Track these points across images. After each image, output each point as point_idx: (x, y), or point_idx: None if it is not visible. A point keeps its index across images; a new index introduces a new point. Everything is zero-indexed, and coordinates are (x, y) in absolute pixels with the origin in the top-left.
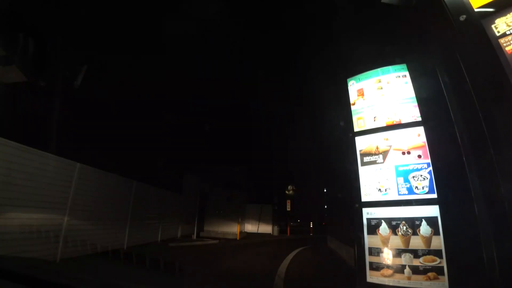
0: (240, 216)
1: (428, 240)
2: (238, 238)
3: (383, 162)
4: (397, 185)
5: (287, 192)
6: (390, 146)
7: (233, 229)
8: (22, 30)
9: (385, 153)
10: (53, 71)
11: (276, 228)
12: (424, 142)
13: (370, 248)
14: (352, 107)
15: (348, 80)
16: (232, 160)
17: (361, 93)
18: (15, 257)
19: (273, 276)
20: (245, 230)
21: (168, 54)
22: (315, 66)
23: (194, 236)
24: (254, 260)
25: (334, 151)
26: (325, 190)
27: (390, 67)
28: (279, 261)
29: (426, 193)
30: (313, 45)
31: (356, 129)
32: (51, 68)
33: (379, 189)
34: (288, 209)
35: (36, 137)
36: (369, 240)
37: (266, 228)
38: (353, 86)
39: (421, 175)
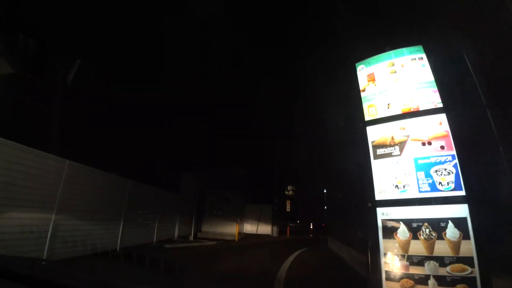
0: (239, 217)
1: (456, 246)
2: (236, 239)
3: (400, 155)
4: (417, 180)
5: (286, 192)
6: (408, 136)
7: (231, 230)
8: (10, 22)
9: (402, 144)
10: (44, 65)
11: (275, 229)
12: (447, 131)
13: (386, 255)
14: (362, 94)
15: (356, 64)
16: (231, 159)
17: (371, 78)
18: (15, 257)
19: (272, 280)
20: (244, 231)
21: (168, 51)
22: (318, 51)
23: (191, 237)
24: (252, 262)
25: (338, 145)
26: (325, 191)
27: (404, 49)
28: (279, 264)
29: (452, 189)
30: (316, 28)
31: (367, 117)
32: (42, 62)
33: (396, 186)
34: (288, 209)
35: (25, 133)
36: (385, 245)
37: (265, 229)
38: (363, 71)
39: (445, 169)
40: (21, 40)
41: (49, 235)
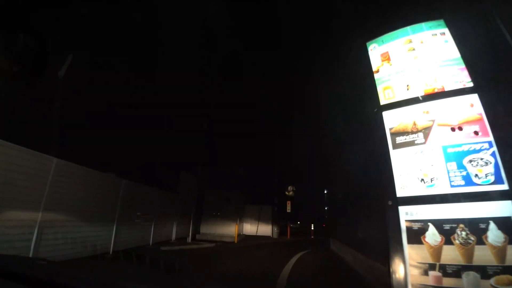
0: (238, 218)
1: (500, 252)
2: (236, 241)
3: (424, 143)
4: (448, 172)
5: (287, 193)
6: (433, 121)
7: (231, 231)
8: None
9: (426, 131)
10: (33, 60)
11: (275, 230)
12: (480, 113)
13: (412, 264)
14: (376, 76)
15: (367, 44)
16: (231, 159)
17: (386, 57)
18: (15, 256)
19: (274, 285)
20: (244, 232)
21: (166, 49)
22: (322, 33)
23: (189, 239)
24: (253, 266)
25: (346, 136)
26: (325, 191)
27: (422, 24)
28: (280, 267)
29: (492, 183)
30: (319, 7)
31: (383, 101)
32: (31, 57)
33: (422, 180)
34: (288, 210)
35: (12, 130)
36: (410, 252)
37: (265, 230)
38: (375, 50)
39: (481, 159)
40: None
41: (34, 237)
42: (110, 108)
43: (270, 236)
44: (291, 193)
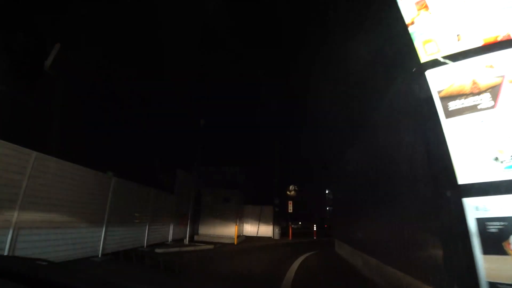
0: (238, 218)
1: None
2: (235, 243)
3: (493, 106)
4: None
5: (288, 192)
6: (502, 78)
7: (230, 232)
8: None
9: (494, 90)
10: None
11: (277, 231)
12: None
13: (492, 284)
14: (411, 29)
15: None
16: (231, 158)
17: (422, 5)
18: (15, 257)
19: None
20: (244, 233)
21: (164, 44)
22: None
23: (187, 241)
24: (253, 270)
25: (367, 109)
26: (327, 191)
27: None
28: (284, 271)
29: None
30: None
31: (424, 57)
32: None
33: (496, 158)
34: (290, 210)
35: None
36: (489, 268)
37: (266, 231)
38: None
39: None
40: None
41: (8, 239)
42: (103, 103)
43: (271, 237)
44: (292, 192)
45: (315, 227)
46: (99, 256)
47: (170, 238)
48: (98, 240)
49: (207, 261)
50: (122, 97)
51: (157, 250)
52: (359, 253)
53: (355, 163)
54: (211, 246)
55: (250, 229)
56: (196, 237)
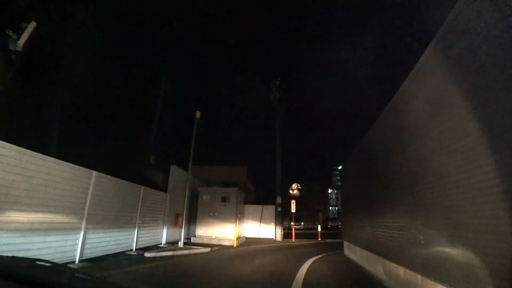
0: (238, 219)
1: None
2: (235, 245)
3: None
4: None
5: (291, 191)
6: None
7: (229, 234)
8: None
9: None
10: None
11: (279, 232)
12: None
13: None
14: None
15: None
16: (230, 154)
17: None
18: (15, 257)
19: None
20: (244, 235)
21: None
22: None
23: (181, 243)
24: (253, 280)
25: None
26: (330, 191)
27: None
28: (289, 281)
29: None
30: None
31: None
32: None
33: None
34: (293, 210)
35: None
36: None
37: (267, 232)
38: None
39: None
40: None
41: None
42: (86, 88)
43: (273, 238)
44: (295, 191)
45: (319, 228)
46: (76, 262)
47: (163, 240)
48: (75, 244)
49: (199, 267)
50: (110, 85)
51: (146, 254)
52: (379, 258)
53: (374, 157)
54: (207, 250)
55: (251, 230)
56: (193, 239)
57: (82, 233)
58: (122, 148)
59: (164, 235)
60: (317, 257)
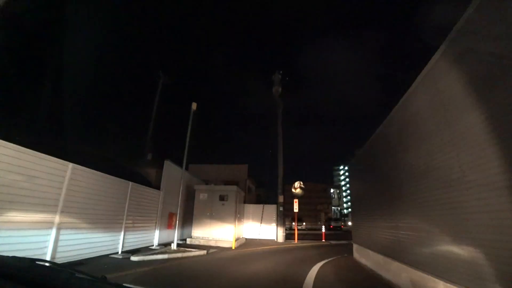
0: (237, 219)
1: None
2: (233, 247)
3: None
4: None
5: (293, 190)
6: None
7: (228, 235)
8: None
9: None
10: None
11: (281, 233)
12: None
13: None
14: None
15: None
16: (230, 150)
17: None
18: (15, 257)
19: None
20: (244, 236)
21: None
22: None
23: (174, 245)
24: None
25: None
26: (332, 191)
27: None
28: None
29: None
30: None
31: None
32: None
33: None
34: (296, 209)
35: None
36: None
37: (269, 233)
38: None
39: None
40: None
41: None
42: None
43: (274, 240)
44: (298, 190)
45: (323, 229)
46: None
47: (156, 242)
48: (45, 246)
49: (191, 273)
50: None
51: (133, 258)
52: (403, 267)
53: (393, 149)
54: (202, 252)
55: (251, 231)
56: (189, 241)
57: (54, 231)
58: (113, 142)
59: (156, 236)
60: (324, 261)
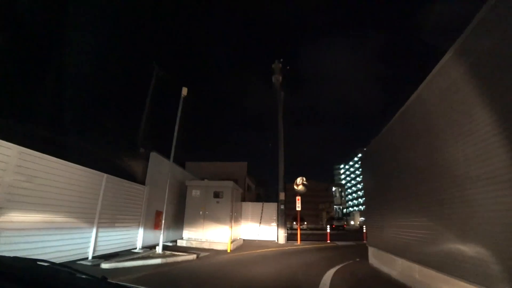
0: (234, 219)
1: None
2: (229, 250)
3: None
4: None
5: (295, 186)
6: None
7: (223, 236)
8: None
9: None
10: None
11: (282, 233)
12: None
13: None
14: None
15: None
16: (229, 151)
17: None
18: (15, 257)
19: None
20: (241, 237)
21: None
22: None
23: (159, 249)
24: None
25: None
26: (334, 189)
27: None
28: None
29: None
30: None
31: None
32: None
33: None
34: (298, 208)
35: None
36: None
37: (269, 234)
38: None
39: None
40: None
41: None
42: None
43: (275, 241)
44: (300, 187)
45: (328, 229)
46: None
47: (139, 244)
48: None
49: (171, 286)
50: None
51: (104, 265)
52: (462, 284)
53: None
54: (192, 257)
55: (250, 231)
56: (179, 243)
57: None
58: (95, 131)
59: (140, 237)
60: (335, 268)
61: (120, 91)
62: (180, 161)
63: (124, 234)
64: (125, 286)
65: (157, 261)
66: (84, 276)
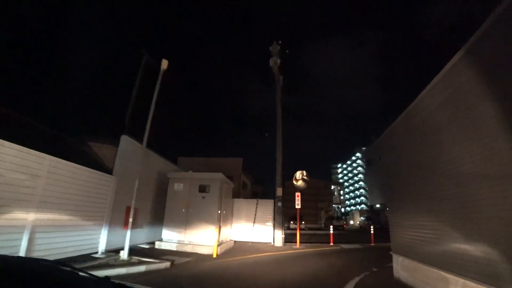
0: (223, 217)
1: None
2: (215, 255)
3: None
4: None
5: (294, 182)
6: None
7: (208, 238)
8: None
9: None
10: None
11: (279, 235)
12: None
13: None
14: None
15: None
16: (224, 146)
17: None
18: (19, 257)
19: None
20: (232, 239)
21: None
22: None
23: (125, 254)
24: None
25: None
26: (333, 187)
27: None
28: None
29: None
30: None
31: None
32: None
33: None
34: (298, 205)
35: None
36: None
37: (264, 235)
38: None
39: None
40: None
41: None
42: None
43: (271, 243)
44: (299, 182)
45: (331, 229)
46: None
47: (101, 247)
48: None
49: None
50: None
51: None
52: None
53: None
54: (164, 265)
55: (242, 231)
56: (158, 245)
57: None
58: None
59: (103, 239)
60: (350, 285)
61: (105, 78)
62: (172, 157)
63: (80, 235)
64: (127, 286)
65: (117, 271)
66: (86, 276)
